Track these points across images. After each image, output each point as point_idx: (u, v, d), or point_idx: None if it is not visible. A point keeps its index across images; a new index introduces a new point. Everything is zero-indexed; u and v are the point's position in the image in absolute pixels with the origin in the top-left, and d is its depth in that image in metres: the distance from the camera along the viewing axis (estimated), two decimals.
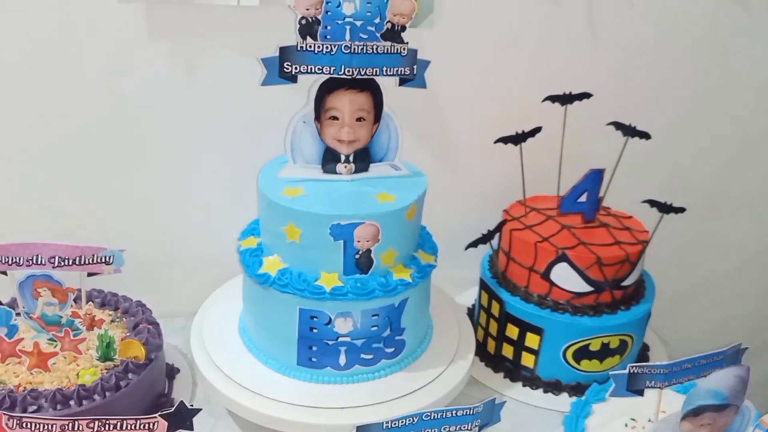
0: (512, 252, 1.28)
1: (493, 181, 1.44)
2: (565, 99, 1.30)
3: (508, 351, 1.29)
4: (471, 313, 1.43)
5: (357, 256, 1.02)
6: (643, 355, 1.37)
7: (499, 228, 1.27)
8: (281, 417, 1.00)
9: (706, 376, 0.95)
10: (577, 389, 1.25)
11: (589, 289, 1.21)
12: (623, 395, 0.97)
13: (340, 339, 1.04)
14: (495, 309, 1.29)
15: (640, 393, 0.97)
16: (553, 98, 1.29)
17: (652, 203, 1.25)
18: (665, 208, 1.24)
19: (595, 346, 1.23)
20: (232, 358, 1.10)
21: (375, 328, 1.05)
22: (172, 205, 1.35)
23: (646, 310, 1.27)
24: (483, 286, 1.33)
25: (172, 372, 1.21)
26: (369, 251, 1.02)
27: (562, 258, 1.20)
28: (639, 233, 1.27)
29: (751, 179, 1.65)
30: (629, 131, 1.27)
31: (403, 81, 1.04)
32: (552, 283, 1.22)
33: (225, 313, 1.20)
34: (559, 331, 1.22)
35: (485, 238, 1.23)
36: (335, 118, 1.04)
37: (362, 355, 1.06)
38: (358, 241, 1.01)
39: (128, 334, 1.13)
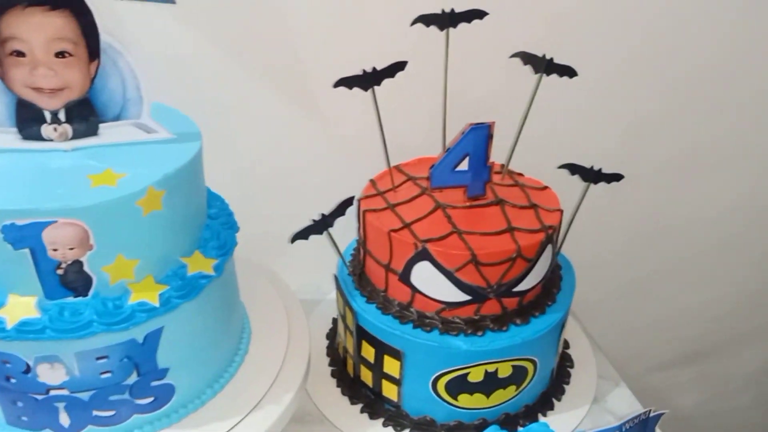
0: (368, 243, 0.91)
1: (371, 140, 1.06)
2: (446, 19, 0.91)
3: (367, 377, 0.94)
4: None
5: (60, 272, 0.66)
6: (561, 374, 1.01)
7: (342, 209, 0.88)
8: None
9: None
10: (458, 431, 0.90)
11: (465, 297, 0.84)
12: None
13: (52, 393, 0.69)
14: (349, 320, 0.93)
15: None
16: (426, 19, 0.91)
17: (573, 169, 0.90)
18: (590, 176, 0.89)
19: (476, 376, 0.86)
20: None
21: (108, 375, 0.70)
22: None
23: (556, 322, 0.89)
24: (338, 287, 0.96)
25: None
26: (80, 263, 0.66)
27: (422, 254, 0.82)
28: (549, 214, 0.89)
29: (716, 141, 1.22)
30: (541, 64, 0.88)
31: None
32: (415, 289, 0.85)
33: None
34: (424, 356, 0.86)
35: (318, 226, 0.86)
36: (20, 53, 0.66)
37: (96, 413, 0.72)
38: (55, 250, 0.64)
39: None
